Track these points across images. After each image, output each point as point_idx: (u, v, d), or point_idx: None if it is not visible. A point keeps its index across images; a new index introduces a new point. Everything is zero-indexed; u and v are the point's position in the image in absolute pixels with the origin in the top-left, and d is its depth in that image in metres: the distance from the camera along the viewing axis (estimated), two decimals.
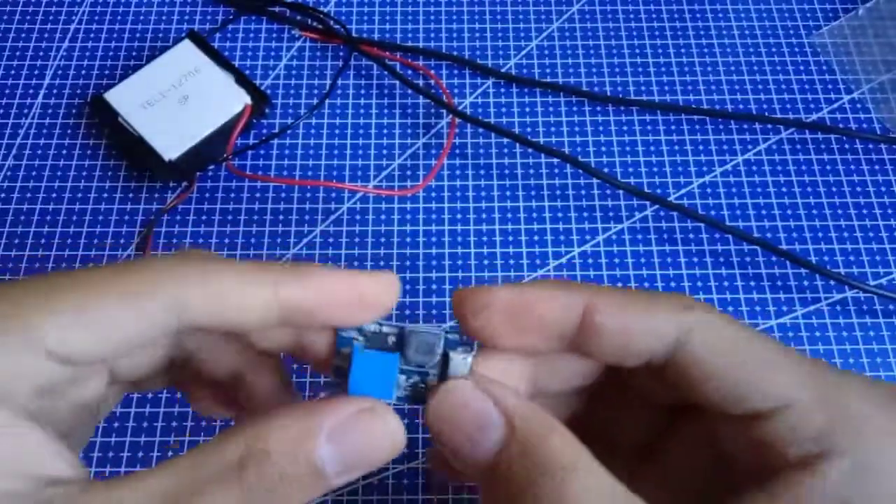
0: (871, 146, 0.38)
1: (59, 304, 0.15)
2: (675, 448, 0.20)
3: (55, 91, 0.39)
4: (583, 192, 0.37)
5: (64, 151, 0.38)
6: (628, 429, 0.22)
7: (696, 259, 0.35)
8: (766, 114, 0.39)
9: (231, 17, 0.42)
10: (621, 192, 0.37)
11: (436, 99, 0.38)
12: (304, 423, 0.16)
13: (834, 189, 0.37)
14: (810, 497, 0.16)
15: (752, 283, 0.35)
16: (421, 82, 0.40)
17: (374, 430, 0.17)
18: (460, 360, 0.19)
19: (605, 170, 0.37)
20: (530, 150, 0.38)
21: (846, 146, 0.38)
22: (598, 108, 0.39)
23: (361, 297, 0.18)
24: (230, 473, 0.15)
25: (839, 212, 0.36)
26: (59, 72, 0.40)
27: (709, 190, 0.37)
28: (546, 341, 0.19)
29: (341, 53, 0.41)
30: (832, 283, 0.35)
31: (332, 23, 0.41)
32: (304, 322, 0.17)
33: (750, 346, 0.18)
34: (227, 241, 0.36)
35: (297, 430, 0.16)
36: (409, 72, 0.40)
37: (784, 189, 0.37)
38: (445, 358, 0.19)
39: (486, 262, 0.35)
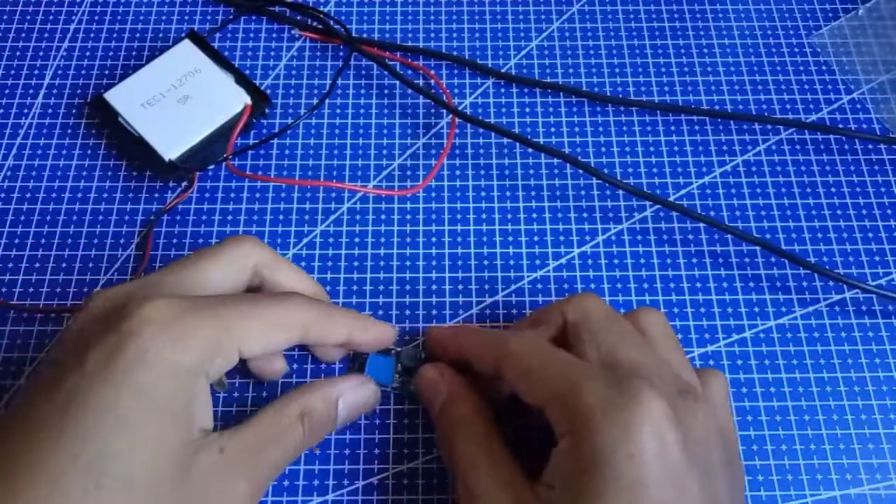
0: (870, 146, 0.38)
1: (250, 330, 0.26)
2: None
3: (55, 91, 0.39)
4: (583, 192, 0.37)
5: (64, 151, 0.38)
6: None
7: (695, 260, 0.35)
8: (766, 114, 0.39)
9: (231, 16, 0.42)
10: (621, 192, 0.37)
11: (436, 99, 0.38)
12: (332, 392, 0.28)
13: (833, 190, 0.37)
14: (554, 462, 0.24)
15: (752, 284, 0.35)
16: (421, 82, 0.40)
17: (363, 393, 0.29)
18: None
19: (605, 170, 0.37)
20: (530, 151, 0.38)
21: (846, 146, 0.38)
22: (598, 109, 0.39)
23: (385, 339, 0.31)
24: (296, 423, 0.26)
25: (839, 212, 0.37)
26: (59, 72, 0.40)
27: (708, 191, 0.37)
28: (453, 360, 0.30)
29: (341, 53, 0.41)
30: (831, 283, 0.35)
31: (331, 23, 0.41)
32: (350, 347, 0.31)
33: (534, 365, 0.26)
34: None
35: (329, 396, 0.28)
36: (409, 72, 0.40)
37: (784, 190, 0.37)
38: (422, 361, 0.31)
39: (486, 262, 0.35)
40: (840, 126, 0.39)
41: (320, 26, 0.41)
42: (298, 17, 0.42)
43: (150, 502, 0.22)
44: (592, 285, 0.35)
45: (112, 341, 0.23)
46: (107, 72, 0.40)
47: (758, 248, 0.35)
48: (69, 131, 0.38)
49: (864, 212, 0.37)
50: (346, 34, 0.40)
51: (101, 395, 0.22)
